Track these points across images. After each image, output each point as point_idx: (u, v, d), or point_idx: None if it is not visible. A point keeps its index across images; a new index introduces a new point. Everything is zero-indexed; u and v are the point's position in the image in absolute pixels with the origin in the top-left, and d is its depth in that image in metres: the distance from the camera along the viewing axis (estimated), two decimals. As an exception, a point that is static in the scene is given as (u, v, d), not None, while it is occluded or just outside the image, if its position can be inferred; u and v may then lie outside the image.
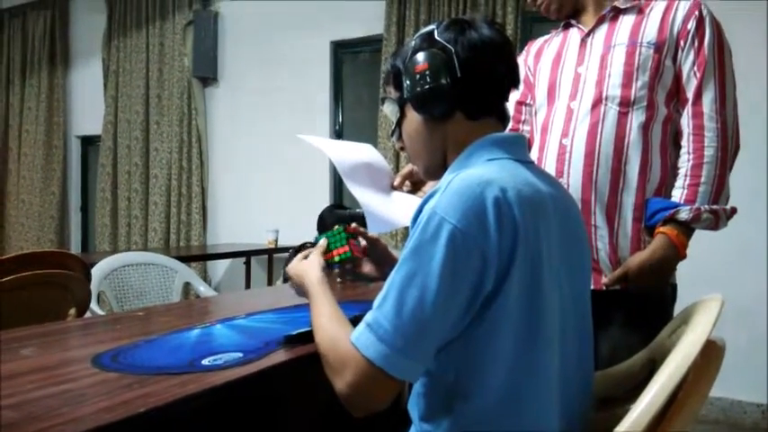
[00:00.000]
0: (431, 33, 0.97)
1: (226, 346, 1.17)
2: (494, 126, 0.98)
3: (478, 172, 0.85)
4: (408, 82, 0.97)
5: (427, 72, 0.93)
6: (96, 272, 2.51)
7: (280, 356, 1.10)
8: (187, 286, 3.06)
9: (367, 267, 1.25)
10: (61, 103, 5.87)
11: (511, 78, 0.99)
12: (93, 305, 2.24)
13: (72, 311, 1.86)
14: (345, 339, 0.84)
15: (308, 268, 1.08)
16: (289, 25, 4.66)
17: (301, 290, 1.09)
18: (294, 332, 1.20)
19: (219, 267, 5.01)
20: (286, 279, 1.21)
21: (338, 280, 1.07)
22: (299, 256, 1.15)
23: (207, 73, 4.96)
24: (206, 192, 5.06)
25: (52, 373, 0.98)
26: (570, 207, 0.98)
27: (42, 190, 5.91)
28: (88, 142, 6.03)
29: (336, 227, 1.16)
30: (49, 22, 5.91)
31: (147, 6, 5.24)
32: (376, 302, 0.84)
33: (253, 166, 4.85)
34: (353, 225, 1.18)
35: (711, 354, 0.82)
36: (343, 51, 4.60)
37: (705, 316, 0.84)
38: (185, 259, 3.30)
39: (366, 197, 1.19)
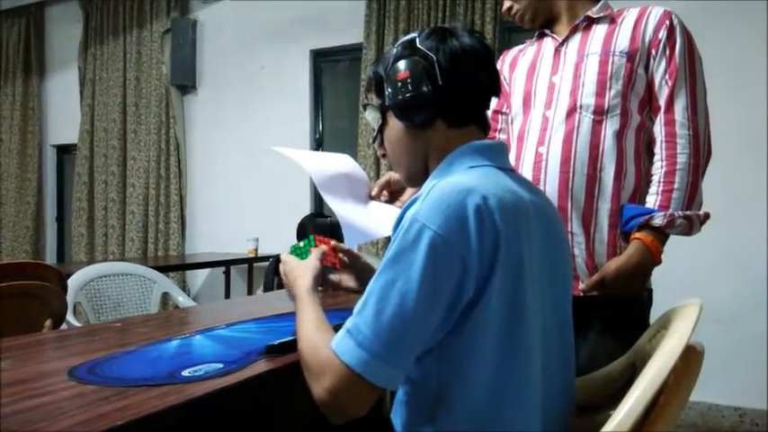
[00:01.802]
0: (412, 41, 0.98)
1: (206, 356, 1.16)
2: (475, 134, 0.99)
3: (460, 179, 0.86)
4: (390, 89, 0.97)
5: (409, 80, 0.94)
6: (72, 283, 2.47)
7: (261, 367, 1.09)
8: (165, 296, 3.02)
9: (346, 278, 1.24)
10: (36, 111, 5.78)
11: (492, 86, 1.00)
12: (70, 316, 2.20)
13: (48, 323, 1.82)
14: (326, 345, 0.84)
15: (302, 272, 1.06)
16: (268, 33, 4.65)
17: (290, 291, 1.08)
18: (276, 342, 1.19)
19: (198, 277, 4.96)
20: (266, 288, 1.20)
21: (319, 288, 1.06)
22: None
23: (185, 81, 4.92)
24: (184, 200, 5.02)
25: (29, 387, 0.96)
26: (551, 214, 0.99)
27: (17, 200, 5.81)
28: (64, 151, 5.95)
29: (303, 242, 1.15)
30: (24, 30, 5.83)
31: (125, 14, 5.20)
32: (356, 308, 0.84)
33: (232, 175, 4.82)
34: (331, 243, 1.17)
35: (691, 358, 0.83)
36: (322, 60, 4.60)
37: (684, 321, 0.85)
38: (163, 269, 3.27)
39: (343, 210, 1.18)
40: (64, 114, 5.67)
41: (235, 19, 4.81)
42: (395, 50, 1.00)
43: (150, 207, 5.02)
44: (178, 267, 4.38)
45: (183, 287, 4.78)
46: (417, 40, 0.97)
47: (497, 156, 0.97)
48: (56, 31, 5.79)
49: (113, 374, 1.03)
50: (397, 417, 0.92)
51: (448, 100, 0.95)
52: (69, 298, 2.22)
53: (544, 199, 1.01)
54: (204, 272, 4.88)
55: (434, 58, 0.94)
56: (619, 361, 1.06)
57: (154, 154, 4.99)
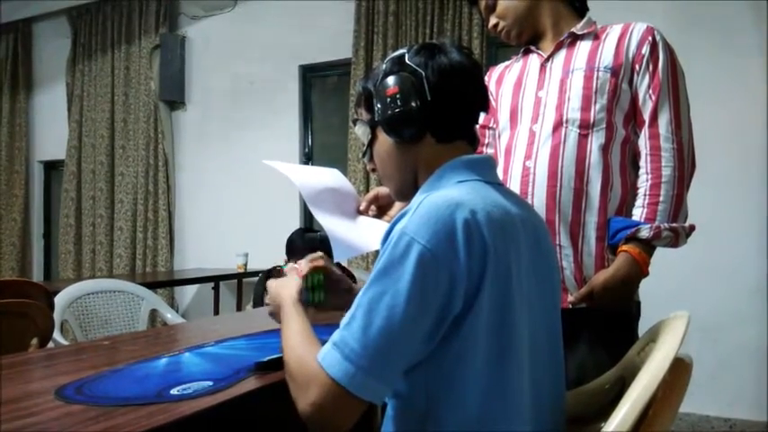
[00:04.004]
0: (401, 57, 0.99)
1: (195, 374, 1.15)
2: (464, 149, 1.00)
3: (448, 194, 0.86)
4: (379, 105, 0.98)
5: (398, 95, 0.95)
6: (59, 300, 2.44)
7: (251, 384, 1.09)
8: (154, 313, 3.00)
9: (334, 297, 1.24)
10: (23, 127, 5.75)
11: (480, 102, 1.01)
12: (57, 335, 2.18)
13: (34, 341, 1.80)
14: (312, 358, 0.83)
15: (286, 288, 1.06)
16: (257, 49, 4.67)
17: (275, 309, 1.07)
18: (265, 359, 1.19)
19: (187, 293, 4.93)
20: (256, 304, 1.20)
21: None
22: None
23: (174, 97, 4.92)
24: (173, 216, 4.99)
25: (14, 407, 0.95)
26: (539, 228, 1.00)
27: (3, 216, 5.75)
28: (51, 167, 5.91)
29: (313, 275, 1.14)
30: (12, 46, 5.81)
31: (113, 30, 5.21)
32: (343, 321, 0.83)
33: (221, 190, 4.81)
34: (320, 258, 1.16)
35: (680, 371, 0.83)
36: (311, 75, 4.62)
37: (672, 333, 0.86)
38: (152, 285, 3.24)
39: (331, 224, 1.18)
40: (51, 130, 5.63)
41: (223, 35, 4.82)
42: (384, 66, 1.01)
43: (138, 223, 4.99)
44: (166, 284, 4.35)
45: (172, 304, 4.74)
46: (406, 56, 0.98)
47: (486, 170, 0.98)
48: (44, 47, 5.78)
49: (101, 394, 1.02)
50: (387, 431, 0.92)
51: (437, 115, 0.95)
52: (56, 316, 2.20)
53: (532, 213, 1.02)
54: (193, 288, 4.85)
55: (423, 74, 0.95)
56: (608, 374, 1.06)
57: (142, 170, 4.97)
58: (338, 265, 1.23)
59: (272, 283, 1.11)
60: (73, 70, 5.41)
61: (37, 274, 5.82)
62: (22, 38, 5.78)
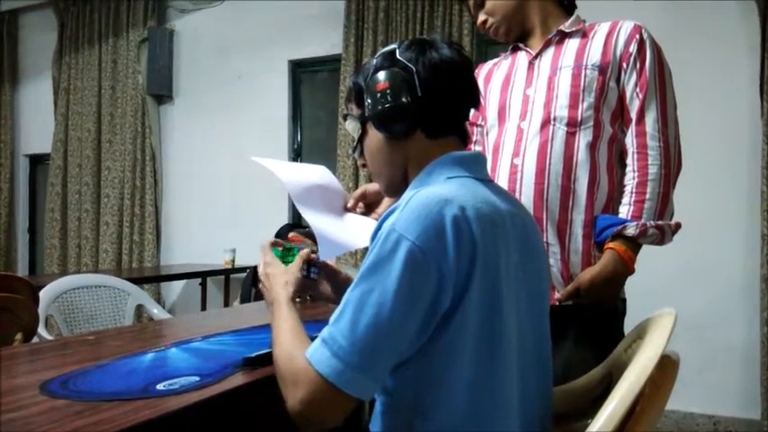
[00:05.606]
0: (392, 52, 0.98)
1: (182, 369, 1.15)
2: (454, 145, 1.00)
3: (438, 190, 0.86)
4: (369, 100, 0.97)
5: (388, 91, 0.95)
6: (44, 295, 2.42)
7: (238, 380, 1.08)
8: (140, 309, 2.98)
9: (325, 288, 1.24)
10: (8, 120, 5.68)
11: (471, 98, 1.01)
12: (41, 329, 2.15)
13: (18, 336, 1.78)
14: (301, 355, 0.83)
15: (283, 281, 1.05)
16: (246, 44, 4.64)
17: (268, 295, 1.06)
18: (253, 354, 1.18)
19: (174, 289, 4.90)
20: (244, 300, 1.19)
21: (297, 299, 1.05)
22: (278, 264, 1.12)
23: (162, 91, 4.89)
24: (160, 211, 4.96)
25: (-2, 402, 0.93)
26: (528, 224, 1.00)
27: (-12, 210, 5.69)
28: (37, 161, 5.84)
29: (289, 245, 1.15)
30: (-4, 38, 5.74)
31: (100, 23, 5.15)
32: (332, 318, 0.83)
33: (209, 185, 4.78)
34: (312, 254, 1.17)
35: (667, 368, 0.84)
36: (301, 70, 4.60)
37: (659, 330, 0.87)
38: (138, 281, 3.22)
39: (318, 221, 1.18)
40: (37, 123, 5.57)
41: (212, 29, 4.79)
42: (375, 61, 1.01)
43: (125, 218, 4.95)
44: (153, 279, 4.32)
45: (158, 299, 4.71)
46: (397, 52, 0.98)
47: (476, 167, 0.98)
48: (30, 39, 5.70)
49: (86, 388, 1.01)
50: (375, 427, 0.92)
51: (427, 111, 0.95)
52: (41, 310, 2.18)
53: (521, 209, 1.02)
54: (180, 283, 4.82)
55: (414, 70, 0.94)
56: (595, 370, 1.07)
57: (129, 164, 4.92)
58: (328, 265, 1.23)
59: (272, 269, 1.09)
60: (59, 63, 5.35)
61: (22, 269, 5.77)
62: (7, 29, 5.70)
